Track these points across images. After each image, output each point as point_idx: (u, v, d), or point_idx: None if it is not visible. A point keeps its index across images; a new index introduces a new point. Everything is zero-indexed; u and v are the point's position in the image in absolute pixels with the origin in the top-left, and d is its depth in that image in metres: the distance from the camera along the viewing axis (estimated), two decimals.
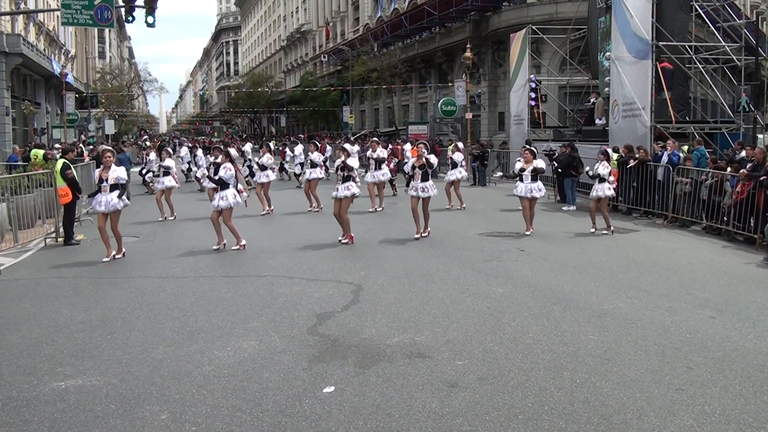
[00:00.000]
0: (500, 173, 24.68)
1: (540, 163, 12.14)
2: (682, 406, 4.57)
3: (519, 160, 12.42)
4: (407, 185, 11.53)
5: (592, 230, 11.98)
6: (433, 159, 11.58)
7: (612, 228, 12.01)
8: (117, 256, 10.04)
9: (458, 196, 15.50)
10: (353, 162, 11.14)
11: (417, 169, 11.24)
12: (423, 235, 11.36)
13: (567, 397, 4.71)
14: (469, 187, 21.35)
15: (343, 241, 10.85)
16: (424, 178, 11.26)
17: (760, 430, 4.24)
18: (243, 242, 10.59)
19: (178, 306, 7.23)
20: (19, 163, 18.21)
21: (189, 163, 25.72)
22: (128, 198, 10.70)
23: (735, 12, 19.61)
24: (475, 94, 34.76)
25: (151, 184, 19.64)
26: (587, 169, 12.93)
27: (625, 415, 4.41)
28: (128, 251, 10.49)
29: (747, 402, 4.64)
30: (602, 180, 11.92)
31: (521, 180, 12.01)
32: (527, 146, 13.72)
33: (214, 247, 10.52)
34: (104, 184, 10.06)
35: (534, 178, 11.90)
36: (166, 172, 14.70)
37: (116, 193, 10.01)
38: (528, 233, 11.70)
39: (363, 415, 4.45)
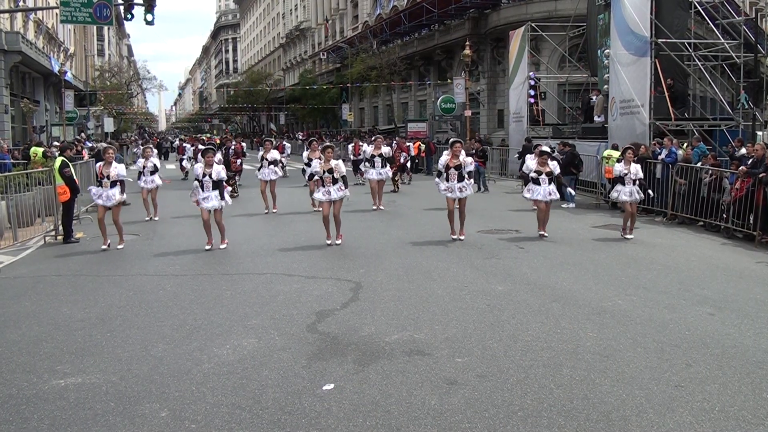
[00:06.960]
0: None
1: (554, 165, 11.55)
2: (681, 402, 4.57)
3: (531, 159, 11.64)
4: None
5: (630, 236, 11.15)
6: (470, 160, 11.11)
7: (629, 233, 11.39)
8: (118, 247, 10.60)
9: None
10: (340, 164, 10.70)
11: (452, 169, 10.80)
12: (460, 238, 10.87)
13: (566, 394, 4.71)
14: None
15: (337, 242, 10.58)
16: (460, 178, 10.80)
17: (759, 427, 4.25)
18: (227, 241, 10.57)
19: (177, 304, 7.23)
20: (9, 161, 17.83)
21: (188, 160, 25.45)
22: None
23: (734, 9, 19.63)
24: (475, 91, 34.75)
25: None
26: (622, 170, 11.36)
27: (624, 412, 4.42)
28: (127, 249, 10.59)
29: (746, 399, 4.65)
30: (623, 181, 11.18)
31: (537, 183, 11.29)
32: (542, 148, 12.48)
33: (206, 248, 10.29)
34: (105, 180, 10.72)
35: (551, 181, 11.31)
36: (153, 170, 14.36)
37: (117, 189, 10.71)
38: (543, 233, 11.19)
39: (362, 412, 4.45)
